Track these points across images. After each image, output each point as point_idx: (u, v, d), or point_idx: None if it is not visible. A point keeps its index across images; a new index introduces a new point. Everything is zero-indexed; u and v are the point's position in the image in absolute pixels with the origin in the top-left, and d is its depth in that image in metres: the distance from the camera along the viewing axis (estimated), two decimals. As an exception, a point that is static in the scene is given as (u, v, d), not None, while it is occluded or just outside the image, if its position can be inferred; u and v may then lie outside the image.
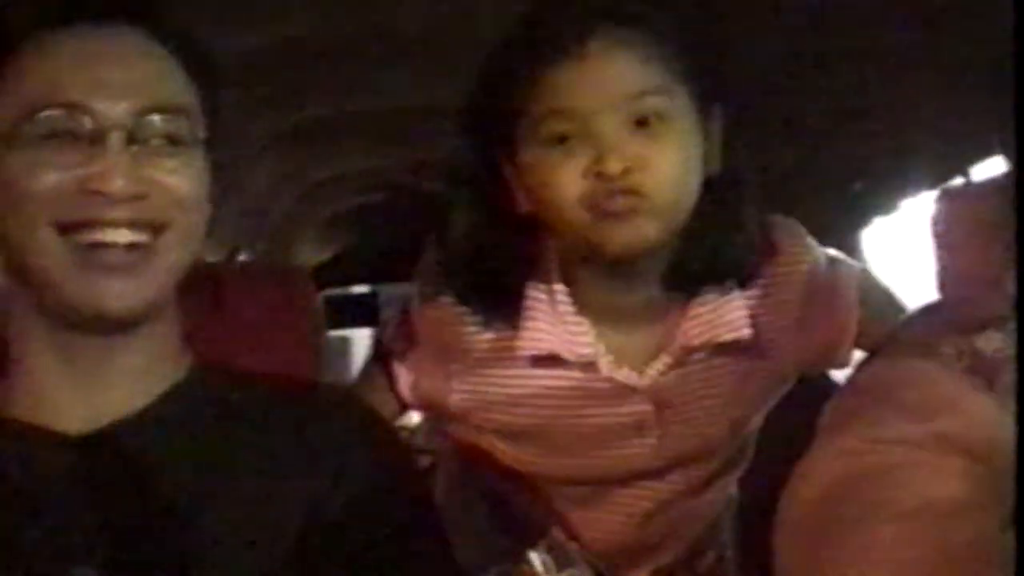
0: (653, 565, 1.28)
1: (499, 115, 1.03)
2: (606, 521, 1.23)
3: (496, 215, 1.07)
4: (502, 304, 1.09)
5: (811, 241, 1.16)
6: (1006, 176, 0.73)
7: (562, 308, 1.09)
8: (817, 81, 1.55)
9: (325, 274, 2.98)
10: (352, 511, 0.82)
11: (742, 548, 1.35)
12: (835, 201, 1.82)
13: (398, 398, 1.23)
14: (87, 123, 0.76)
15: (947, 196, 1.15)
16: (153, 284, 0.79)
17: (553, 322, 1.09)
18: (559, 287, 1.09)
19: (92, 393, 0.81)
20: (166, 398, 0.84)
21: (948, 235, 1.09)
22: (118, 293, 0.77)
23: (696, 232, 1.05)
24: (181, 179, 0.79)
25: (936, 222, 1.10)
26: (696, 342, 1.10)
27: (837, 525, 0.65)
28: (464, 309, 1.10)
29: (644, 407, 1.12)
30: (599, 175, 0.96)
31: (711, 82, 1.03)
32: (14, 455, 0.80)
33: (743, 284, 1.10)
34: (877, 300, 1.19)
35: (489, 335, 1.11)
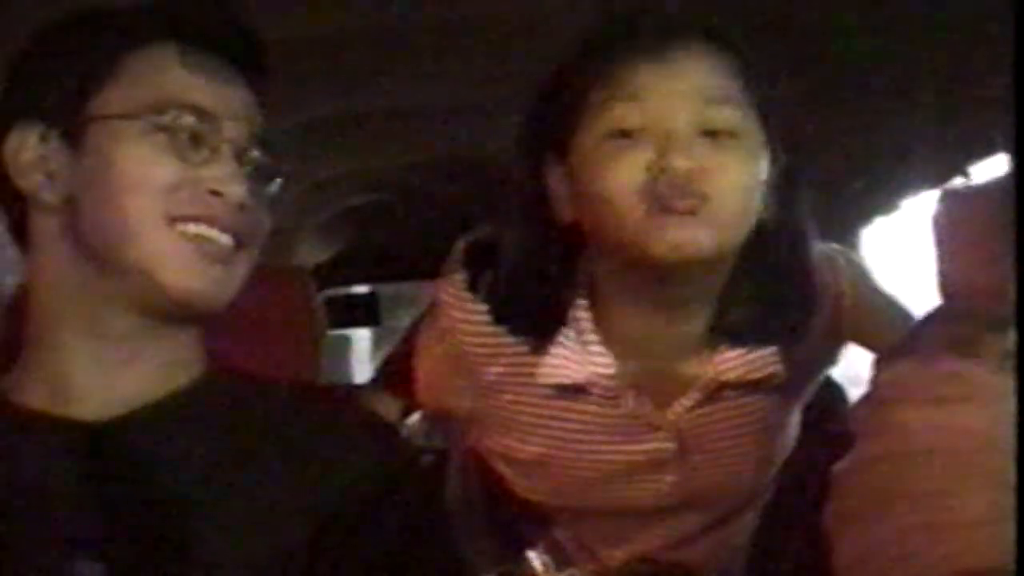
0: None
1: (562, 105, 0.98)
2: (622, 553, 1.19)
3: (536, 230, 1.03)
4: (534, 323, 1.05)
5: (850, 271, 1.13)
6: (1007, 176, 0.74)
7: (587, 337, 1.04)
8: (817, 82, 1.55)
9: (325, 274, 2.98)
10: (358, 515, 0.83)
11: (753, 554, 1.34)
12: (835, 201, 1.82)
13: (409, 401, 1.23)
14: (214, 132, 0.81)
15: (947, 196, 1.15)
16: (235, 285, 0.83)
17: (577, 351, 1.04)
18: (585, 315, 1.04)
19: (112, 383, 0.82)
20: (180, 394, 0.85)
21: (949, 235, 1.09)
22: (217, 282, 0.81)
23: (754, 290, 1.01)
24: (262, 205, 0.85)
25: (936, 222, 1.09)
26: (728, 377, 1.05)
27: (926, 496, 0.66)
28: (488, 320, 1.06)
29: (666, 445, 1.08)
30: (663, 170, 0.90)
31: (780, 129, 0.99)
32: (24, 443, 0.81)
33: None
34: (868, 291, 1.18)
35: (505, 360, 1.07)
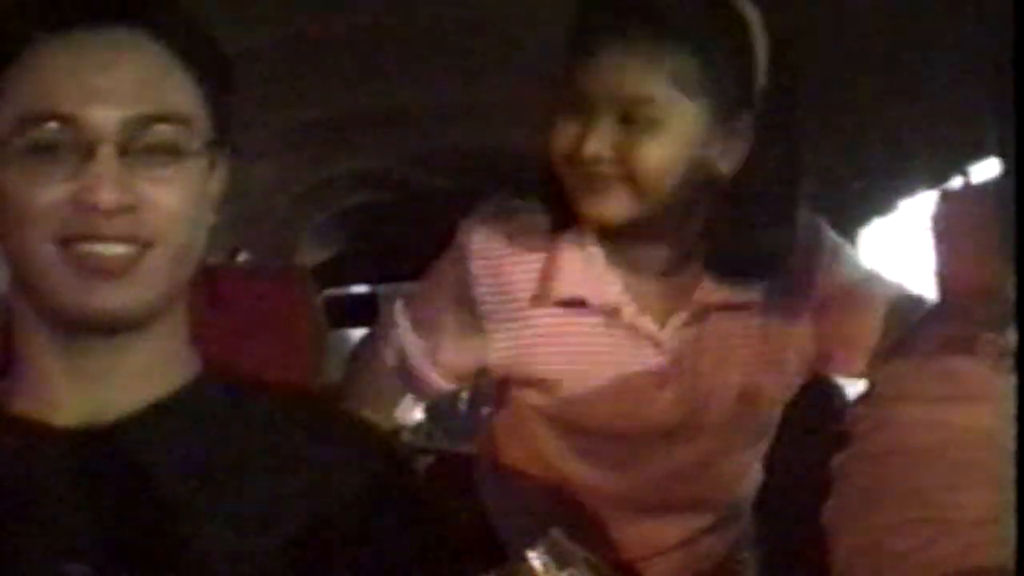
0: (679, 534, 1.33)
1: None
2: (628, 481, 1.28)
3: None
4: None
5: (835, 241, 1.26)
6: (1005, 176, 0.74)
7: (595, 258, 1.17)
8: (816, 82, 1.55)
9: (325, 274, 2.98)
10: (351, 519, 0.83)
11: (761, 545, 1.37)
12: (835, 201, 1.82)
13: (412, 376, 1.27)
14: (78, 135, 0.75)
15: (947, 196, 1.15)
16: (145, 291, 0.78)
17: (585, 270, 1.17)
18: (591, 238, 1.17)
19: (93, 391, 0.82)
20: (168, 400, 0.84)
21: (948, 235, 1.09)
22: (109, 295, 0.77)
23: (731, 223, 1.13)
24: (173, 193, 0.77)
25: (936, 222, 1.10)
26: (711, 299, 1.18)
27: (927, 492, 0.67)
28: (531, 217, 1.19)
29: (661, 359, 1.20)
30: (581, 146, 1.08)
31: (741, 92, 1.10)
32: (14, 449, 0.81)
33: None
34: (907, 318, 1.21)
35: (530, 278, 1.19)
